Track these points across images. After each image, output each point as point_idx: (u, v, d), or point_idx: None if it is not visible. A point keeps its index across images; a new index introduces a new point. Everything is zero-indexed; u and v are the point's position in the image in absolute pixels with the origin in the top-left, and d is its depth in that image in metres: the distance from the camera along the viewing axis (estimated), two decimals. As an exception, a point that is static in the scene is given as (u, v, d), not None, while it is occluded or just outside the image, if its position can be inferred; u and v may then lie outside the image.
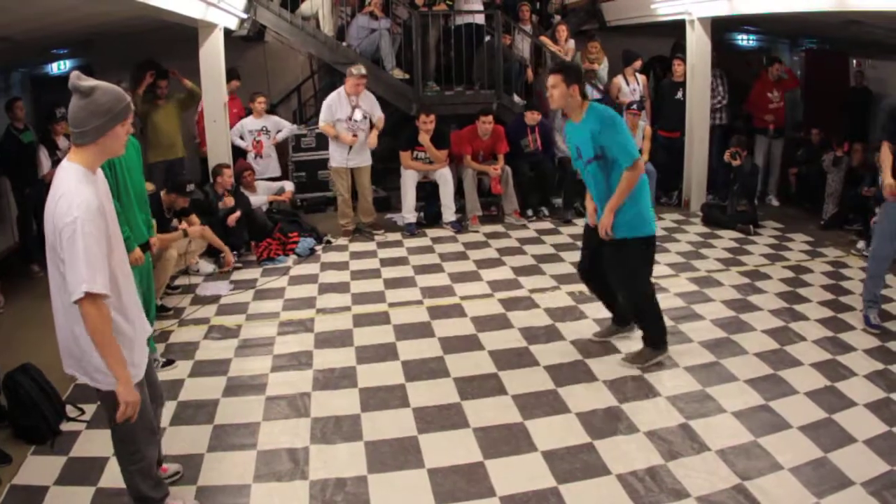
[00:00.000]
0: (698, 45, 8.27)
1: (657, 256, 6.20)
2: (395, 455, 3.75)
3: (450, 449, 3.80)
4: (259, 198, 7.70)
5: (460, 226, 8.00)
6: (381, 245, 7.56)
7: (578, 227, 7.99)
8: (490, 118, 7.99)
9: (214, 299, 6.09)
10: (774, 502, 3.28)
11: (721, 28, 9.08)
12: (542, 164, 8.42)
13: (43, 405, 3.95)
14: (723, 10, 7.59)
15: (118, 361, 2.67)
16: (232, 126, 8.23)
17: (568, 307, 5.74)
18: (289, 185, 8.39)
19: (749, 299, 5.81)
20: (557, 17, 10.44)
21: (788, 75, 9.33)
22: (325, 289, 6.29)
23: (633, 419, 4.04)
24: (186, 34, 7.50)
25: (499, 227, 8.10)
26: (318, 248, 7.45)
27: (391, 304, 5.89)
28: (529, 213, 8.46)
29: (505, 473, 3.56)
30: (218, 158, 7.71)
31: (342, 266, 6.90)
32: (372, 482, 3.53)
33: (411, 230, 7.91)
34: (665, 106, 9.11)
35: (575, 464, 3.63)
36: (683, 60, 8.63)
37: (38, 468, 3.67)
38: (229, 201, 6.98)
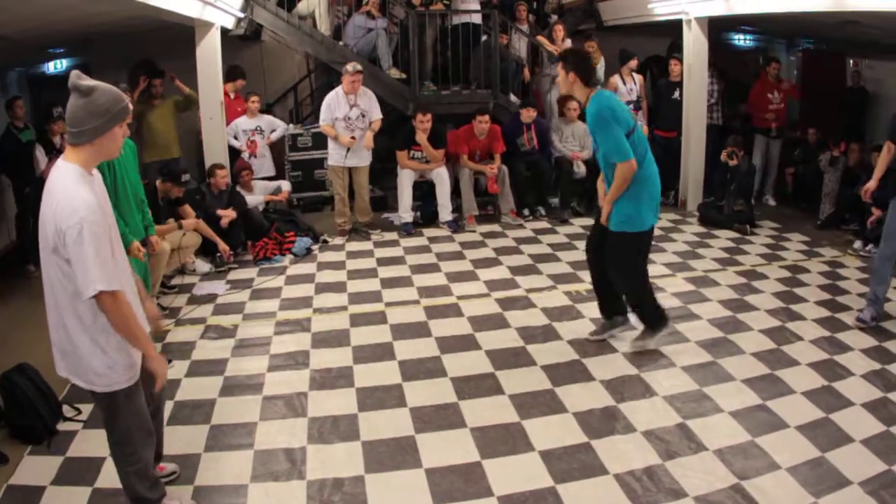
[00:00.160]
0: (695, 44, 8.27)
1: (654, 256, 6.27)
2: (392, 455, 3.75)
3: (447, 449, 3.79)
4: (255, 197, 7.69)
5: (457, 225, 8.00)
6: (378, 244, 7.55)
7: (575, 226, 8.02)
8: (486, 118, 7.99)
9: (211, 299, 6.08)
10: (772, 502, 3.28)
11: (718, 28, 9.09)
12: (539, 163, 8.42)
13: (39, 405, 3.93)
14: (719, 9, 7.59)
15: (145, 343, 2.83)
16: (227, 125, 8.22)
17: (565, 307, 5.74)
18: (285, 185, 8.38)
19: (746, 299, 5.82)
20: (554, 17, 10.45)
21: (788, 85, 9.31)
22: (322, 288, 6.28)
23: (630, 419, 4.04)
24: (184, 33, 7.48)
25: (495, 227, 8.10)
26: (315, 247, 7.43)
27: (388, 304, 5.88)
28: (526, 212, 8.46)
29: (502, 473, 3.56)
30: (214, 158, 7.70)
31: (339, 266, 6.89)
32: (369, 482, 3.53)
33: (408, 230, 7.90)
34: (662, 106, 9.11)
35: (572, 463, 3.63)
36: (680, 60, 8.64)
37: (34, 468, 3.66)
38: (229, 214, 6.92)
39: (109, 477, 3.38)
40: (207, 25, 7.50)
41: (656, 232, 5.40)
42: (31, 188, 6.65)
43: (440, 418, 4.10)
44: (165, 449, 3.53)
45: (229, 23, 8.13)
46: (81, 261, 2.56)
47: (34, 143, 6.84)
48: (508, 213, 8.25)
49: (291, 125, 9.23)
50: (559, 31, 9.48)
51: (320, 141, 8.93)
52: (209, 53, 7.66)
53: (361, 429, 4.01)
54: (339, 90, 7.56)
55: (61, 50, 8.52)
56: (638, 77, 9.16)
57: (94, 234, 2.57)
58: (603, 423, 4.01)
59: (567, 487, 3.44)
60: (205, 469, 3.65)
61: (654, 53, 10.52)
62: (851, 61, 10.22)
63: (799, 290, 6.01)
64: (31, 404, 3.90)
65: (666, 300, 5.65)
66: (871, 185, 5.50)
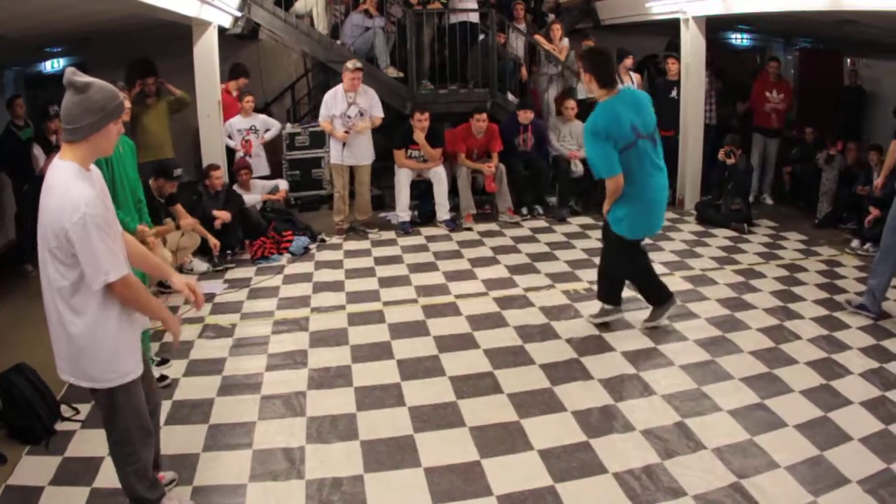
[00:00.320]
0: (693, 44, 8.27)
1: (652, 255, 6.25)
2: (391, 454, 3.74)
3: (446, 448, 3.79)
4: (253, 196, 7.68)
5: (454, 224, 8.00)
6: (376, 244, 7.54)
7: (573, 225, 8.03)
8: (484, 116, 7.99)
9: (208, 298, 6.05)
10: (771, 500, 3.28)
11: (715, 27, 9.09)
12: (536, 162, 8.42)
13: (37, 405, 3.92)
14: (717, 8, 7.59)
15: (159, 309, 2.99)
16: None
17: (563, 305, 5.74)
18: (283, 184, 8.37)
19: (744, 298, 5.82)
20: (552, 16, 10.45)
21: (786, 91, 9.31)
22: (320, 287, 6.27)
23: (628, 418, 4.04)
24: (181, 32, 7.47)
25: (493, 226, 8.10)
26: (313, 246, 7.43)
27: (386, 303, 5.87)
28: (524, 211, 8.46)
29: (501, 472, 3.56)
30: (212, 157, 7.69)
31: (336, 265, 6.88)
32: (368, 481, 3.52)
33: (405, 229, 7.89)
34: (659, 105, 9.08)
35: (571, 462, 3.63)
36: (677, 59, 8.64)
37: (33, 468, 3.65)
38: (223, 216, 6.91)
39: (108, 477, 3.38)
40: (205, 24, 7.49)
41: (656, 231, 5.45)
42: (29, 186, 6.65)
43: (439, 417, 4.09)
44: (165, 448, 3.52)
45: (227, 22, 8.12)
46: (90, 254, 2.58)
47: (32, 142, 6.83)
48: (506, 211, 8.25)
49: (289, 124, 9.22)
50: (556, 30, 9.49)
51: (318, 140, 8.96)
52: (206, 52, 7.65)
53: (360, 428, 4.00)
54: (338, 88, 7.56)
55: (58, 49, 8.50)
56: (635, 76, 9.16)
57: (98, 227, 2.58)
58: (602, 422, 4.01)
59: (566, 486, 3.44)
60: (203, 469, 3.64)
61: (652, 52, 10.52)
62: (849, 60, 10.24)
63: (797, 289, 6.02)
64: (29, 404, 3.89)
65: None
66: (879, 182, 5.55)
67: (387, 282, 6.37)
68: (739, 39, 12.05)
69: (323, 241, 7.59)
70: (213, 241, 6.35)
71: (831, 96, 9.88)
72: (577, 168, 8.42)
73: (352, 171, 7.73)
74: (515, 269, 6.60)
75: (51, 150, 6.77)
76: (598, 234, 7.57)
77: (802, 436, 3.81)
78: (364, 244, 7.53)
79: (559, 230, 7.91)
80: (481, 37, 9.10)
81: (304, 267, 6.84)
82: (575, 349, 4.94)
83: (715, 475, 3.48)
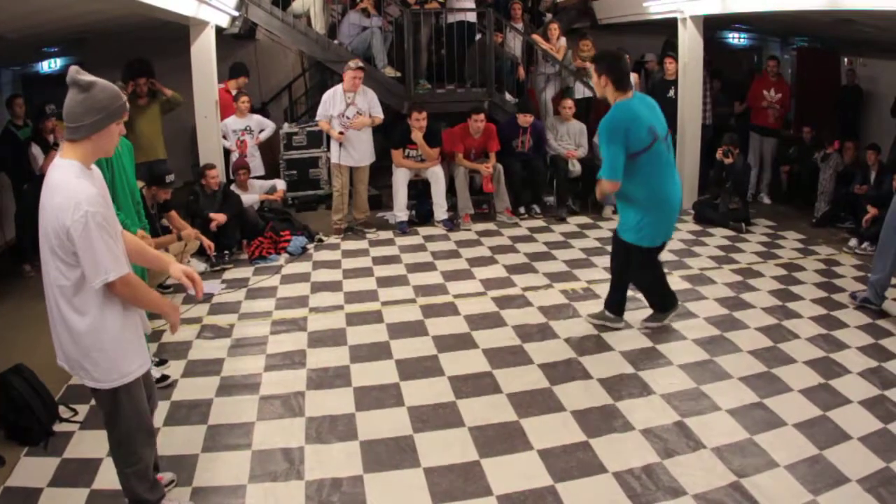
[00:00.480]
0: (690, 43, 8.27)
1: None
2: (390, 454, 3.74)
3: (445, 448, 3.79)
4: (251, 196, 7.66)
5: (452, 224, 7.99)
6: (374, 243, 7.53)
7: (571, 225, 8.03)
8: (482, 116, 7.99)
9: (206, 298, 6.05)
10: (771, 499, 3.28)
11: (712, 26, 9.10)
12: (534, 162, 8.41)
13: (36, 406, 3.90)
14: (715, 8, 7.60)
15: (160, 303, 3.04)
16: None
17: (561, 305, 5.74)
18: (280, 184, 8.36)
19: (742, 297, 5.83)
20: (549, 16, 10.47)
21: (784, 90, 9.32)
22: (318, 287, 6.26)
23: (628, 417, 4.04)
24: (179, 32, 7.46)
25: (491, 225, 8.09)
26: (310, 246, 7.42)
27: (384, 303, 5.87)
28: (521, 210, 8.45)
29: (501, 472, 3.56)
30: (209, 157, 7.68)
31: (334, 265, 6.87)
32: (368, 482, 3.52)
33: (403, 228, 7.89)
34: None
35: (571, 462, 3.63)
36: (675, 59, 8.64)
37: (31, 470, 3.64)
38: (219, 219, 6.89)
39: (107, 478, 3.38)
40: (202, 24, 7.48)
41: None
42: (28, 186, 6.65)
43: (438, 417, 4.09)
44: (163, 449, 3.52)
45: (224, 21, 8.11)
46: (91, 252, 2.58)
47: (31, 141, 6.82)
48: (504, 211, 8.25)
49: (286, 124, 9.21)
50: (554, 29, 9.49)
51: (315, 140, 8.95)
52: (204, 52, 7.64)
53: (359, 428, 4.00)
54: (338, 87, 7.56)
55: (55, 49, 8.48)
56: (633, 75, 9.12)
57: (100, 225, 2.58)
58: (601, 421, 4.01)
59: (566, 486, 3.44)
60: (203, 470, 3.63)
61: (649, 52, 10.52)
62: (846, 59, 10.26)
63: (795, 288, 6.02)
64: (27, 405, 3.87)
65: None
66: None
67: (385, 282, 6.36)
68: (736, 39, 12.07)
69: (321, 241, 7.59)
70: (207, 243, 6.33)
71: (829, 95, 9.89)
72: (575, 168, 8.43)
73: (351, 170, 7.72)
74: (513, 269, 6.60)
75: (49, 149, 6.77)
76: (595, 233, 7.64)
77: (802, 435, 3.81)
78: (362, 244, 7.52)
79: (557, 230, 7.91)
80: (479, 36, 9.10)
81: (301, 267, 6.83)
82: (574, 349, 4.94)
83: (715, 474, 3.48)
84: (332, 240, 7.65)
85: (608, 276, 6.17)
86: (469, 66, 9.09)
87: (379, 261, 6.95)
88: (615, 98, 4.61)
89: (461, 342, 5.10)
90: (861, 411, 4.05)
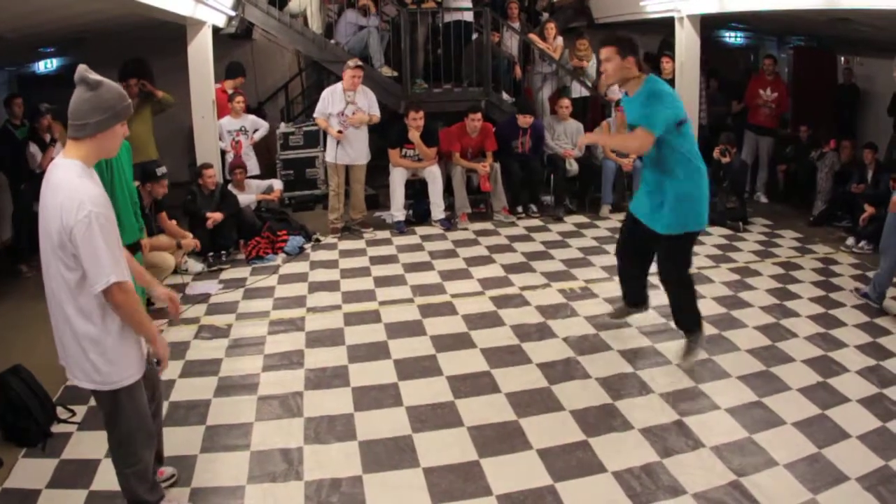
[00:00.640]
0: (687, 42, 8.28)
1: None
2: (389, 454, 3.73)
3: (444, 448, 3.78)
4: (248, 196, 7.65)
5: (449, 223, 7.98)
6: (371, 243, 7.52)
7: (568, 224, 8.02)
8: (479, 115, 7.98)
9: (204, 298, 6.04)
10: (770, 498, 3.28)
11: (709, 25, 9.10)
12: (531, 161, 8.40)
13: (33, 407, 3.89)
14: (712, 7, 7.61)
15: (149, 327, 2.87)
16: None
17: (559, 304, 5.73)
18: (277, 184, 8.34)
19: (740, 296, 5.83)
20: (546, 15, 10.46)
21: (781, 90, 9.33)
22: (315, 287, 6.25)
23: (627, 416, 4.04)
24: (177, 32, 7.44)
25: (488, 225, 8.09)
26: (307, 246, 7.41)
27: (382, 303, 5.86)
28: (519, 210, 8.44)
29: (501, 472, 3.55)
30: (206, 156, 7.67)
31: (332, 264, 6.86)
32: (367, 482, 3.51)
33: (400, 228, 7.88)
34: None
35: (570, 461, 3.63)
36: (672, 58, 8.64)
37: (29, 471, 3.62)
38: (215, 217, 6.88)
39: (106, 479, 3.37)
40: (199, 24, 7.47)
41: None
42: (26, 185, 6.63)
43: (437, 417, 4.08)
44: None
45: (221, 21, 8.09)
46: (93, 254, 2.57)
47: (28, 140, 6.81)
48: (501, 210, 8.24)
49: (283, 124, 9.19)
50: (550, 28, 9.47)
51: (312, 139, 8.94)
52: (201, 52, 7.63)
53: (358, 428, 3.99)
54: (337, 85, 7.55)
55: (50, 49, 8.47)
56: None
57: (103, 227, 2.58)
58: (600, 420, 4.01)
59: (566, 485, 3.43)
60: (202, 470, 3.62)
61: (646, 51, 10.50)
62: (843, 58, 10.27)
63: (793, 287, 6.03)
64: (24, 406, 3.86)
65: (660, 297, 5.62)
66: None
67: (382, 281, 6.35)
68: (733, 38, 12.07)
69: (318, 240, 7.57)
70: (195, 243, 6.31)
71: (825, 95, 9.90)
72: (572, 167, 8.42)
73: (347, 169, 7.71)
74: (511, 269, 6.59)
75: (46, 147, 6.75)
76: (593, 232, 7.64)
77: (801, 433, 3.82)
78: (359, 244, 7.51)
79: (554, 229, 7.91)
80: (475, 36, 9.10)
81: (299, 267, 6.82)
82: (572, 348, 4.94)
83: (714, 473, 3.49)
84: (329, 239, 7.64)
85: (606, 275, 6.24)
86: (466, 65, 9.09)
87: (376, 260, 6.94)
88: (638, 78, 4.31)
89: (459, 342, 5.09)
90: (860, 410, 4.05)
